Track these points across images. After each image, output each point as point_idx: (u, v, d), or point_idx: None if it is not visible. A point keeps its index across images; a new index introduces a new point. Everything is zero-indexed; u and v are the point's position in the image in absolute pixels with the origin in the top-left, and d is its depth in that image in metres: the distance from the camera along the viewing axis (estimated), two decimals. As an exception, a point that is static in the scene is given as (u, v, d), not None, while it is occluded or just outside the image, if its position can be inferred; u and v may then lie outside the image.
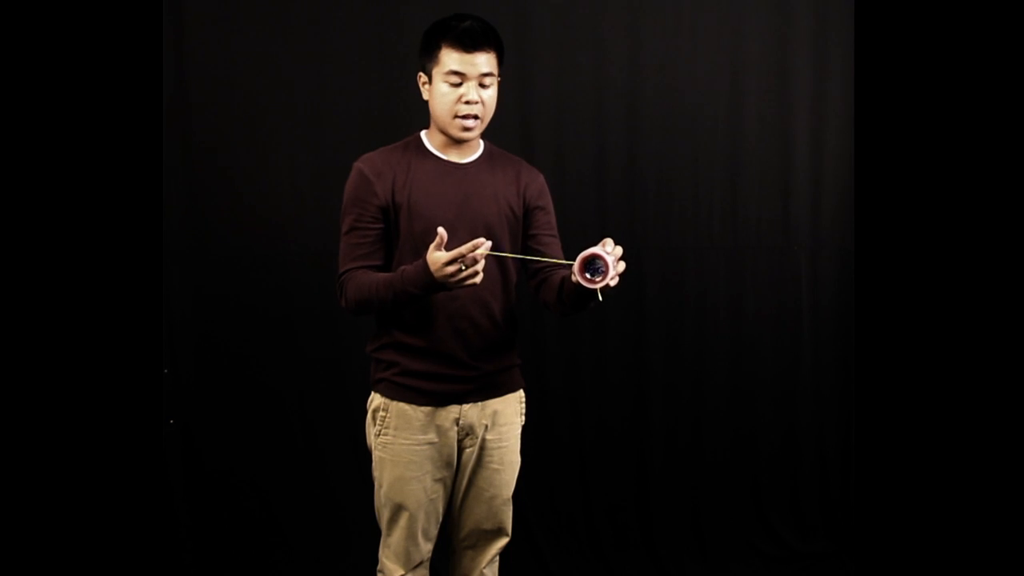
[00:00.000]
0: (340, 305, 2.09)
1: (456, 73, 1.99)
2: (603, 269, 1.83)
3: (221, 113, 2.97)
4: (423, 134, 2.14)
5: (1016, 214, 1.59)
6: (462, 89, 2.00)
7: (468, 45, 1.98)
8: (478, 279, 1.86)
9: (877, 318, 1.73)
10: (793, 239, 3.28)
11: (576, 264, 1.84)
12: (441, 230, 1.86)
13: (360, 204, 2.05)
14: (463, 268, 1.84)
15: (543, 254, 2.15)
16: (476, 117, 2.03)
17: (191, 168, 2.96)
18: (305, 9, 2.98)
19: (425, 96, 2.08)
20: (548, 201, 2.21)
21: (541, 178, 2.21)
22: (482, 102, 2.02)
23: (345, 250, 2.08)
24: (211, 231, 2.99)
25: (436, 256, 1.86)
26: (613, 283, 1.83)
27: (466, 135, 2.05)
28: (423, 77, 2.07)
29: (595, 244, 1.87)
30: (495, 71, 2.04)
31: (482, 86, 2.02)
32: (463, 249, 1.82)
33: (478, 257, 1.83)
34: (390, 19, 2.99)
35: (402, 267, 1.97)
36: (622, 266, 1.85)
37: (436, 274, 1.86)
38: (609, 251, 1.85)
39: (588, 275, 1.84)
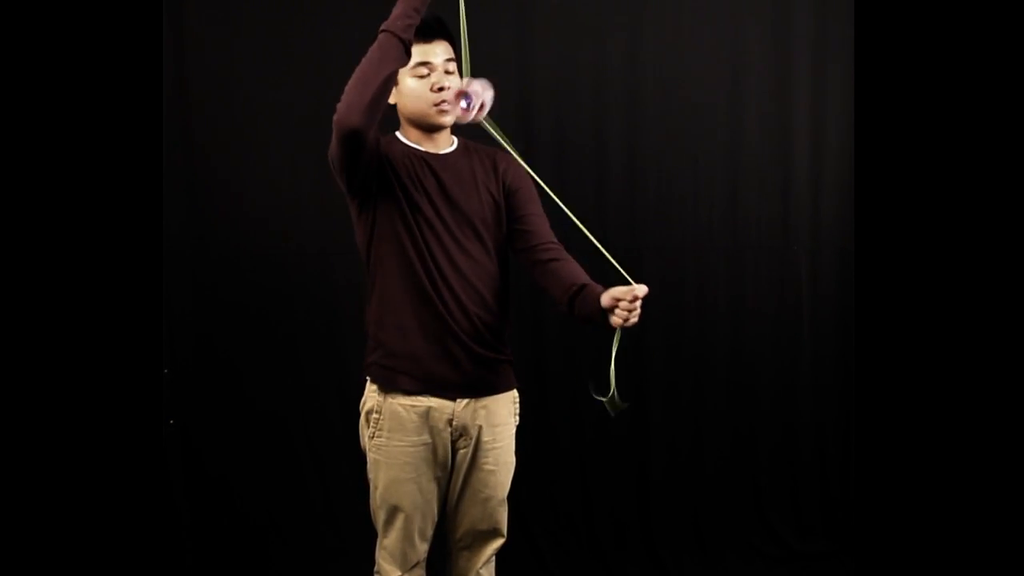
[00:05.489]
0: (336, 121, 2.00)
1: (424, 64, 2.05)
2: (473, 102, 1.94)
3: (221, 113, 2.97)
4: (397, 134, 2.16)
5: (1016, 213, 1.59)
6: (433, 78, 2.05)
7: (427, 35, 2.03)
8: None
9: (877, 318, 1.73)
10: (793, 239, 3.28)
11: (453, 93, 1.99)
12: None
13: None
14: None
15: (531, 235, 2.13)
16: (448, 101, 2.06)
17: (191, 168, 2.96)
18: (304, 9, 2.98)
19: (392, 100, 2.08)
20: (527, 180, 2.18)
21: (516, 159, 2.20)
22: (451, 88, 2.06)
23: None
24: (211, 231, 3.00)
25: None
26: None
27: (445, 119, 2.08)
28: None
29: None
30: (454, 58, 2.08)
31: (447, 72, 2.06)
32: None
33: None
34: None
35: None
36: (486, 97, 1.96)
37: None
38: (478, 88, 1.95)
39: (463, 106, 1.96)
